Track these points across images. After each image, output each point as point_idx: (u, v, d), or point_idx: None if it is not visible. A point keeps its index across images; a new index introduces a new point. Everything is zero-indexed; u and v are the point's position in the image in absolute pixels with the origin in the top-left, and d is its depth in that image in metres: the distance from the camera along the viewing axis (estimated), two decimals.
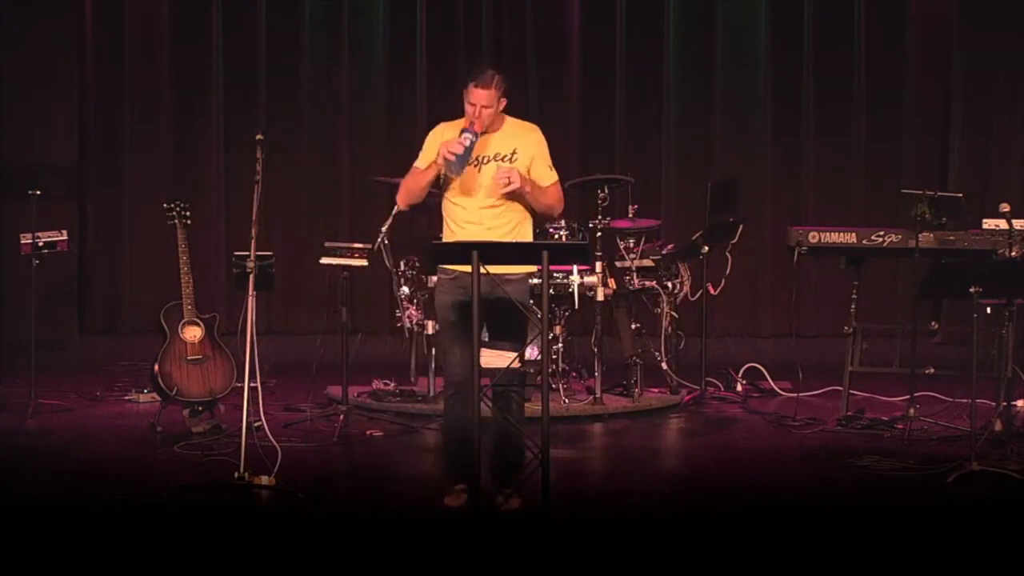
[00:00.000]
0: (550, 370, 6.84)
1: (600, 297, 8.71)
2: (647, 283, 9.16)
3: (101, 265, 11.54)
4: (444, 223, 6.53)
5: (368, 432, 8.23)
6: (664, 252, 9.27)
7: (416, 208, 6.68)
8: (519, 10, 11.46)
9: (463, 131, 6.28)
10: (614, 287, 8.93)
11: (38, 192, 8.84)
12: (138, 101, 11.44)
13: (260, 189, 6.99)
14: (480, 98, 6.29)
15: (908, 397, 8.18)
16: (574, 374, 9.23)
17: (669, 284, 9.22)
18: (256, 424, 6.92)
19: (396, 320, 9.09)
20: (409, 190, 6.47)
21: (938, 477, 6.99)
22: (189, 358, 8.06)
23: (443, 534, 6.10)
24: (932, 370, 8.34)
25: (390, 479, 7.34)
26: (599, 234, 8.83)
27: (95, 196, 11.45)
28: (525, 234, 6.46)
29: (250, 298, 6.87)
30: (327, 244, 8.58)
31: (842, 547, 5.95)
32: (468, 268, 6.07)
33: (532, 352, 6.72)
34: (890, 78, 11.44)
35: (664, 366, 9.24)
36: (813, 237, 8.46)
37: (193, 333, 8.09)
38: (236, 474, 6.67)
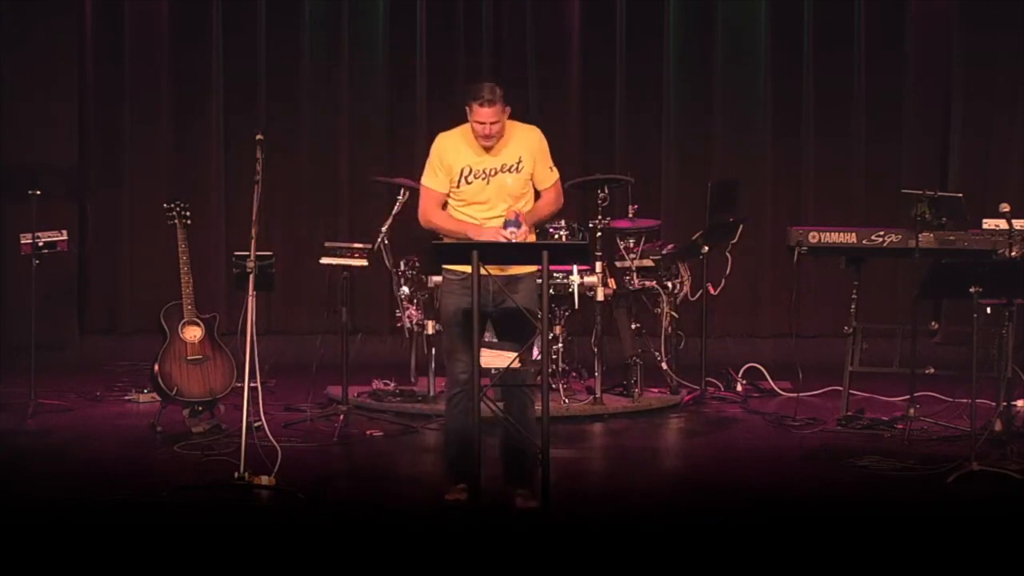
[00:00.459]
0: (550, 370, 6.84)
1: (600, 297, 8.70)
2: (647, 283, 9.16)
3: (101, 265, 11.54)
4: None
5: (368, 432, 8.23)
6: (664, 252, 9.27)
7: None
8: (519, 10, 11.46)
9: (507, 223, 6.31)
10: (614, 287, 8.93)
11: (38, 192, 8.84)
12: (138, 101, 11.43)
13: (260, 189, 7.00)
14: (487, 116, 6.32)
15: (908, 397, 8.18)
16: (574, 374, 9.22)
17: (669, 284, 9.22)
18: (256, 424, 6.92)
19: (396, 320, 9.08)
20: (432, 224, 6.49)
21: (938, 477, 6.99)
22: (189, 358, 8.06)
23: (443, 534, 6.10)
24: (932, 370, 8.33)
25: (390, 479, 7.34)
26: (599, 234, 8.83)
27: (95, 196, 11.45)
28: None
29: (250, 298, 6.88)
30: (327, 244, 8.58)
31: (842, 547, 5.95)
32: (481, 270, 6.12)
33: (532, 352, 6.72)
34: (890, 78, 11.43)
35: (664, 366, 9.24)
36: (813, 237, 8.46)
37: (193, 333, 8.09)
38: (236, 474, 6.67)
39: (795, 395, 9.03)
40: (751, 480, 7.24)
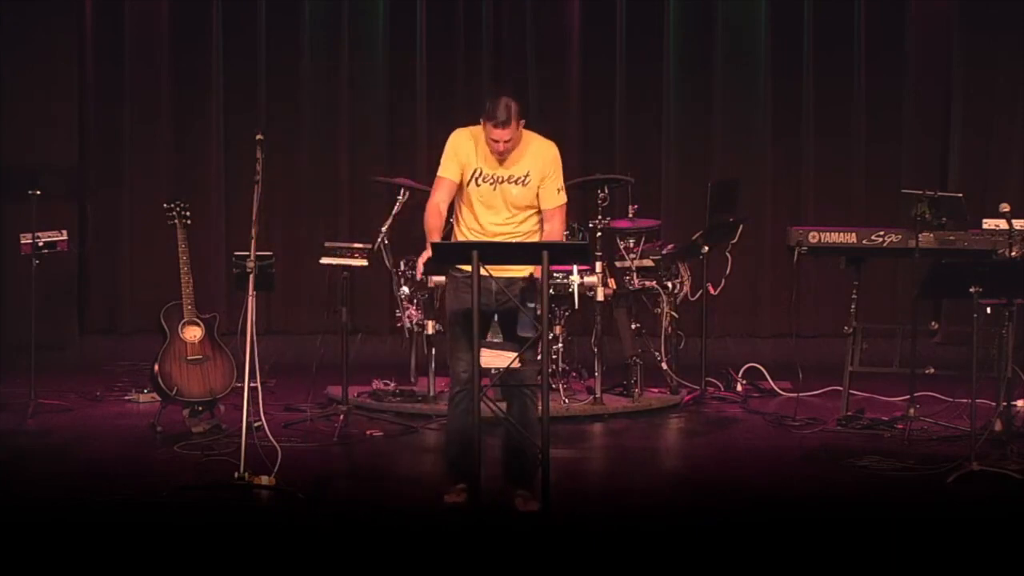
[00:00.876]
0: (550, 370, 6.84)
1: (600, 297, 8.69)
2: (647, 283, 9.16)
3: (101, 265, 11.53)
4: (455, 228, 6.57)
5: (368, 432, 8.23)
6: (664, 252, 9.27)
7: None
8: (519, 10, 11.46)
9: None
10: (614, 287, 8.93)
11: (38, 192, 8.84)
12: (138, 101, 11.43)
13: (260, 189, 7.00)
14: (502, 136, 6.35)
15: (908, 397, 8.18)
16: (574, 374, 9.23)
17: (669, 284, 9.22)
18: (256, 424, 6.92)
19: (396, 320, 9.08)
20: (429, 224, 6.50)
21: (938, 477, 6.99)
22: (189, 358, 8.06)
23: (443, 534, 6.10)
24: (932, 370, 8.33)
25: (390, 479, 7.34)
26: (599, 234, 8.83)
27: (95, 196, 11.45)
28: None
29: (250, 298, 6.88)
30: (327, 244, 8.58)
31: (842, 547, 5.95)
32: (482, 270, 6.13)
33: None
34: (890, 78, 11.43)
35: (664, 366, 9.24)
36: (813, 237, 8.46)
37: (193, 333, 8.09)
38: (236, 474, 6.67)
39: (795, 395, 9.03)
40: (751, 480, 7.24)
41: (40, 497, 6.64)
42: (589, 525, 6.33)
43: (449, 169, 6.49)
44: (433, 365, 8.80)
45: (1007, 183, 10.97)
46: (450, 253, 6.38)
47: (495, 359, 6.25)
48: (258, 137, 7.08)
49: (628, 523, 6.37)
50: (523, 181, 6.45)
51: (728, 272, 9.48)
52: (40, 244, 8.85)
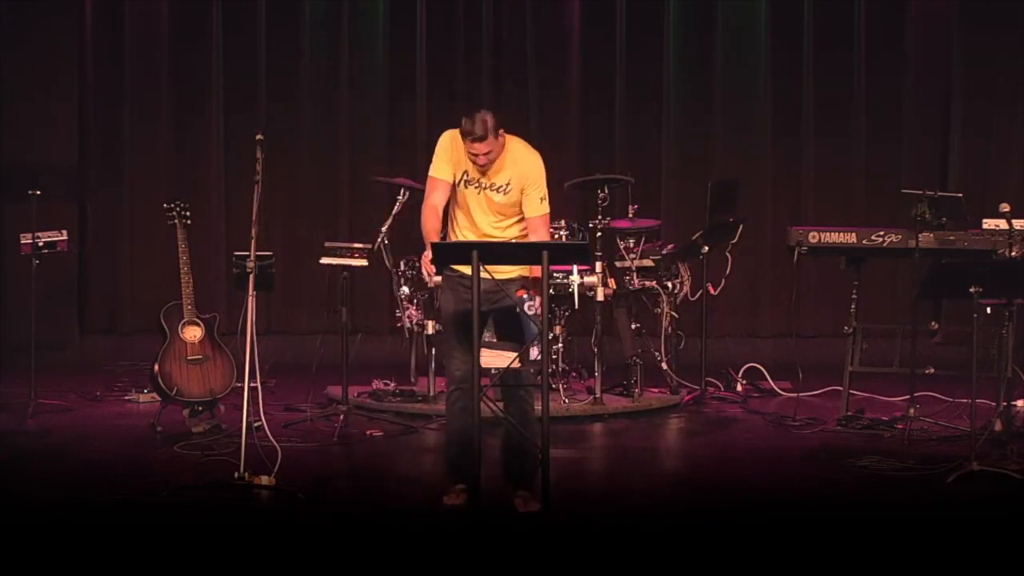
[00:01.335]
0: (550, 370, 6.84)
1: (600, 297, 8.70)
2: (647, 283, 9.16)
3: (101, 265, 11.54)
4: (449, 227, 6.57)
5: (368, 432, 8.23)
6: (664, 252, 9.27)
7: None
8: (519, 10, 11.46)
9: (523, 301, 6.35)
10: (614, 287, 8.93)
11: (38, 192, 8.84)
12: (138, 101, 11.44)
13: (260, 189, 7.00)
14: (480, 149, 6.36)
15: (908, 397, 8.18)
16: (574, 374, 9.23)
17: (669, 284, 9.22)
18: (256, 424, 6.92)
19: (396, 320, 9.08)
20: (422, 218, 6.51)
21: (938, 477, 6.99)
22: (189, 358, 8.06)
23: (443, 534, 6.10)
24: (932, 370, 8.34)
25: (390, 479, 7.34)
26: (599, 234, 8.83)
27: (95, 196, 11.45)
28: None
29: (250, 298, 6.87)
30: (327, 244, 8.57)
31: (842, 547, 5.95)
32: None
33: (532, 352, 6.71)
34: (890, 78, 11.44)
35: (664, 366, 9.24)
36: (813, 237, 8.46)
37: (193, 333, 8.09)
38: (236, 474, 6.67)
39: (795, 395, 9.03)
40: (751, 480, 7.24)
41: (40, 497, 6.64)
42: (589, 525, 6.32)
43: (442, 170, 6.49)
44: (433, 365, 8.80)
45: (1007, 183, 10.98)
46: (450, 253, 6.38)
47: (495, 359, 6.25)
48: (258, 137, 7.08)
49: (628, 523, 6.37)
50: (504, 190, 6.46)
51: (728, 272, 9.48)
52: (40, 244, 8.85)
